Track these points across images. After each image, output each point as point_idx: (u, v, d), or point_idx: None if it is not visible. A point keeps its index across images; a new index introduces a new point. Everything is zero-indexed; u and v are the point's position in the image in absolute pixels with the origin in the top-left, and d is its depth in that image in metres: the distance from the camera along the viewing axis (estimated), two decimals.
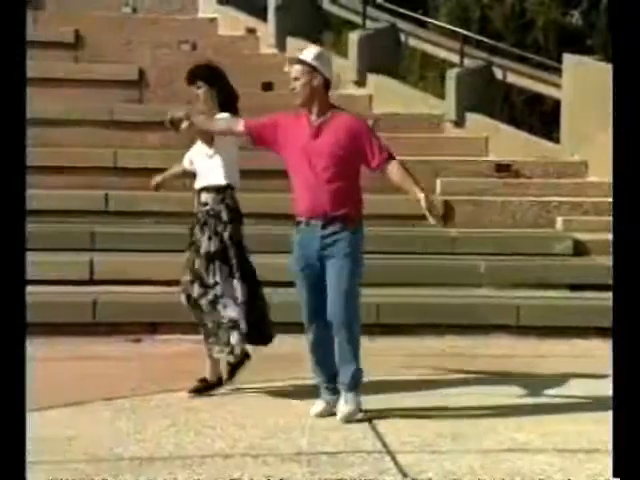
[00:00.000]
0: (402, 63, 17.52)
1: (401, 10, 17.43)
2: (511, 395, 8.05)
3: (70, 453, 6.57)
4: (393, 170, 7.41)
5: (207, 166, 8.10)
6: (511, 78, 15.83)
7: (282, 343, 9.05)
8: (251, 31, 17.34)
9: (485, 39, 16.73)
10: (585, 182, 13.73)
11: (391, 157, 7.48)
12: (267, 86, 15.75)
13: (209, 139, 7.98)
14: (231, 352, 7.95)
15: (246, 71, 16.08)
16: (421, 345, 9.90)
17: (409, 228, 12.74)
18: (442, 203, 13.17)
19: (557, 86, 14.89)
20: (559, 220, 12.83)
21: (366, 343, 9.84)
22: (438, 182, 13.66)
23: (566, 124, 14.65)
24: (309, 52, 7.46)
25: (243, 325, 7.94)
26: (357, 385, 7.37)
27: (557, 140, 14.81)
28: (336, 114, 7.42)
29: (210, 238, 7.91)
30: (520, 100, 17.27)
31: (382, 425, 7.12)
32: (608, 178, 12.93)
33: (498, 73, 15.82)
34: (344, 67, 16.35)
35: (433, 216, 7.26)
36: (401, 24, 17.12)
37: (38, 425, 7.11)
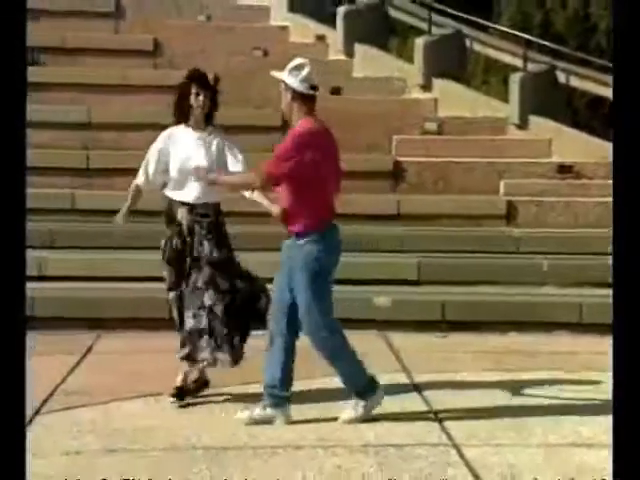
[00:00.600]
0: (466, 68, 17.45)
1: (465, 16, 17.41)
2: (574, 391, 7.99)
3: (150, 442, 6.61)
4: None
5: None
6: (574, 81, 15.72)
7: None
8: (320, 38, 17.34)
9: (548, 43, 16.59)
10: None
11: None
12: (336, 90, 15.75)
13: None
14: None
15: (315, 76, 16.07)
16: (485, 342, 9.85)
17: (475, 228, 12.72)
18: (505, 206, 13.17)
19: None
20: None
21: (432, 339, 9.91)
22: (502, 183, 13.59)
23: None
24: (286, 69, 7.24)
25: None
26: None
27: None
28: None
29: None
30: (582, 103, 17.14)
31: (447, 419, 7.09)
32: None
33: (561, 77, 15.72)
34: (410, 72, 16.36)
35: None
36: (466, 30, 17.07)
37: (120, 416, 7.22)
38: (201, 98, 7.69)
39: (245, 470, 6.03)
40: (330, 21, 17.57)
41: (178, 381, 7.58)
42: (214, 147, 7.61)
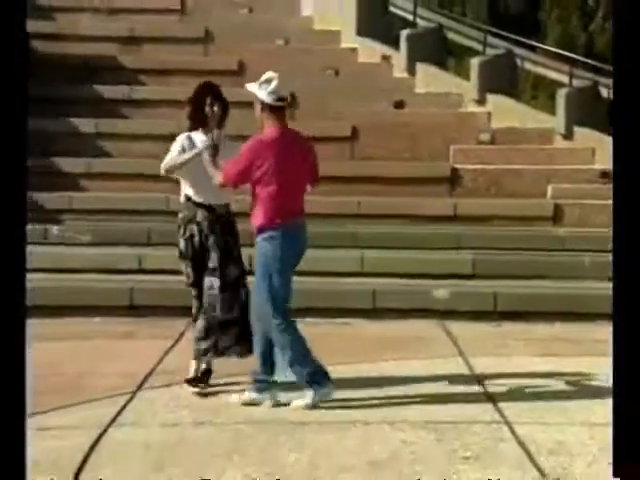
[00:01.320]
0: (517, 84, 17.41)
1: (516, 37, 17.42)
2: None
3: (233, 417, 6.65)
4: None
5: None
6: None
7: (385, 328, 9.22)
8: (386, 58, 17.33)
9: (591, 61, 16.64)
10: None
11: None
12: (399, 104, 15.78)
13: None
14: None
15: (381, 92, 16.13)
16: (534, 330, 9.80)
17: (524, 228, 12.68)
18: (553, 208, 13.12)
19: None
20: None
21: (485, 328, 9.88)
22: (549, 188, 13.50)
23: None
24: (257, 82, 7.18)
25: None
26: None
27: None
28: None
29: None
30: None
31: (500, 399, 7.06)
32: None
33: (603, 91, 15.69)
34: (466, 88, 16.33)
35: None
36: (516, 50, 17.06)
37: (210, 393, 7.26)
38: (215, 108, 7.65)
39: (321, 443, 6.06)
40: (394, 43, 17.55)
41: (192, 372, 7.46)
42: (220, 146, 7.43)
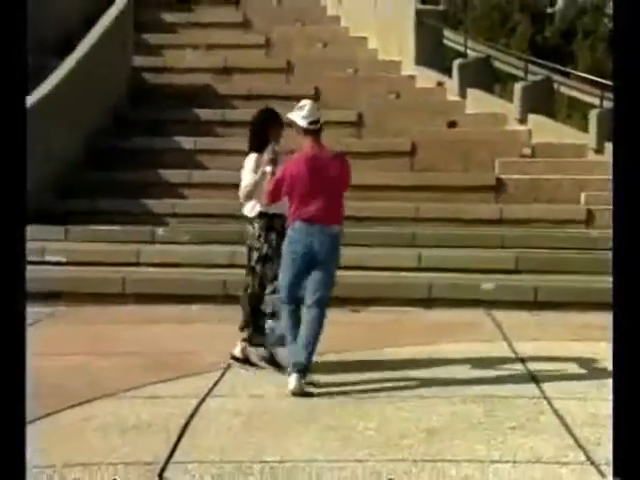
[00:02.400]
0: (554, 105, 17.30)
1: (553, 65, 17.39)
2: None
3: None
4: None
5: None
6: None
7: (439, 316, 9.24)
8: (440, 84, 17.26)
9: None
10: None
11: None
12: (452, 124, 15.72)
13: None
14: None
15: (436, 113, 16.08)
16: (570, 318, 9.65)
17: (561, 229, 12.57)
18: (586, 213, 12.98)
19: None
20: None
21: (527, 316, 9.79)
22: (583, 195, 13.34)
23: None
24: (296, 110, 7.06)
25: None
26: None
27: None
28: None
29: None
30: None
31: (540, 377, 6.99)
32: None
33: None
34: (510, 109, 16.22)
35: None
36: (554, 76, 16.99)
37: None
38: (273, 129, 7.54)
39: (384, 413, 6.05)
40: (447, 71, 17.49)
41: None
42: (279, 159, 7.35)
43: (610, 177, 13.99)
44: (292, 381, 6.51)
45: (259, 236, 7.41)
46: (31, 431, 5.69)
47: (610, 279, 10.73)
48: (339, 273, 10.90)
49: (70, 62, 14.73)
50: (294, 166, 6.92)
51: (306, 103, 7.05)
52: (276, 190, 6.94)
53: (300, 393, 6.47)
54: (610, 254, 11.37)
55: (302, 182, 6.85)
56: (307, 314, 6.77)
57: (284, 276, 6.90)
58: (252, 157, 7.46)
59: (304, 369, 6.60)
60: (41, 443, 5.47)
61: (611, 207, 13.93)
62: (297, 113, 6.96)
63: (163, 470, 4.99)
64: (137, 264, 11.36)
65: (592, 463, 5.12)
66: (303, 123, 6.93)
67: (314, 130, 6.99)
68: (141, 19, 18.07)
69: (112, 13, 16.74)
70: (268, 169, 7.16)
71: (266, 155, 7.31)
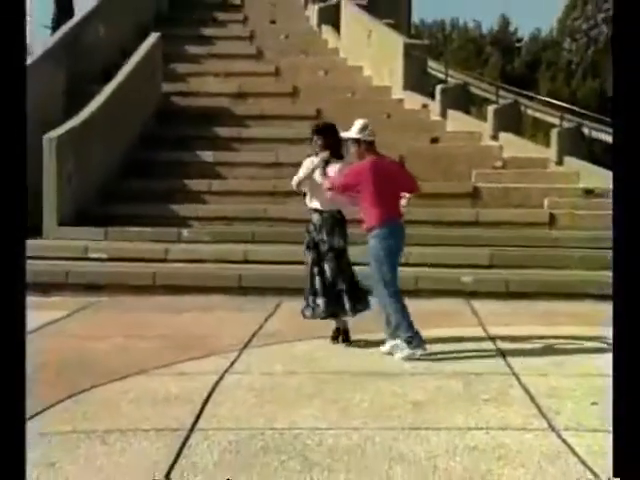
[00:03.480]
0: (521, 125, 17.37)
1: (520, 91, 17.53)
2: (600, 340, 7.74)
3: (317, 368, 6.63)
4: None
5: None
6: (594, 134, 15.70)
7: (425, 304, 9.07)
8: (425, 106, 17.28)
9: (576, 108, 16.62)
10: None
11: None
12: (435, 140, 15.74)
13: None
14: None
15: (421, 131, 16.09)
16: (536, 306, 9.66)
17: (528, 230, 12.56)
18: (548, 216, 12.98)
19: None
20: None
21: (499, 305, 9.77)
22: (546, 201, 13.32)
23: None
24: (353, 130, 7.23)
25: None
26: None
27: None
28: None
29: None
30: (599, 147, 16.88)
31: (510, 356, 6.99)
32: None
33: (585, 130, 15.68)
34: (484, 128, 16.28)
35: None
36: (521, 100, 17.06)
37: (298, 350, 7.28)
38: (320, 141, 7.55)
39: (378, 388, 6.05)
40: (431, 95, 17.54)
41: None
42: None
43: (569, 186, 14.10)
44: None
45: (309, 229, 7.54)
46: (76, 401, 5.74)
47: (571, 272, 10.86)
48: None
49: (109, 89, 14.78)
50: (366, 171, 7.05)
51: (367, 123, 7.31)
52: (349, 185, 7.11)
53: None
54: (570, 251, 11.52)
55: (374, 185, 7.02)
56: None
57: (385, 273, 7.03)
58: (309, 159, 7.55)
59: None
60: (85, 412, 5.51)
61: (569, 210, 14.02)
62: (360, 131, 7.19)
63: (188, 436, 5.00)
64: (165, 260, 11.37)
65: (553, 429, 5.13)
66: (367, 138, 7.18)
67: (373, 142, 7.23)
68: (169, 51, 18.09)
69: (144, 46, 16.81)
70: (319, 169, 7.33)
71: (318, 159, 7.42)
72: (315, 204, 7.48)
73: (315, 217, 7.47)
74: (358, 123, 7.24)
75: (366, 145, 7.17)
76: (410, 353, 6.91)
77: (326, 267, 7.41)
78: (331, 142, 7.47)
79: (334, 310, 7.41)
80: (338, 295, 7.38)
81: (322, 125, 7.85)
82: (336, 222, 7.47)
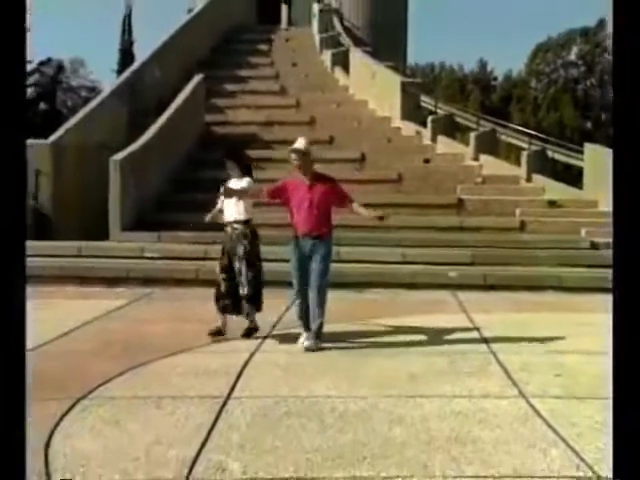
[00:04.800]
0: (498, 148, 17.33)
1: (496, 120, 17.54)
2: (566, 322, 7.71)
3: (325, 347, 6.63)
4: (353, 206, 6.70)
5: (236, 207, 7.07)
6: (556, 155, 15.63)
7: (419, 296, 9.00)
8: (418, 133, 17.23)
9: (541, 135, 16.67)
10: (598, 211, 13.14)
11: (351, 200, 6.70)
12: (426, 160, 15.69)
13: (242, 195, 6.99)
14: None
15: (415, 153, 16.07)
16: (510, 296, 9.61)
17: (503, 235, 12.43)
18: (519, 223, 12.86)
19: (581, 160, 14.54)
20: (583, 231, 12.32)
21: (480, 295, 9.72)
22: (518, 211, 13.25)
23: (587, 179, 14.19)
24: (300, 143, 6.72)
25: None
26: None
27: (581, 187, 14.32)
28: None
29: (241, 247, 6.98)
30: (561, 167, 16.82)
31: (490, 339, 6.94)
32: (611, 209, 12.60)
33: (549, 153, 15.59)
34: (467, 151, 16.23)
35: (377, 218, 6.70)
36: (497, 128, 17.00)
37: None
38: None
39: (378, 363, 6.03)
40: (423, 124, 17.49)
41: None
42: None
43: (536, 198, 14.05)
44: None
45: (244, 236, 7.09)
46: (135, 373, 5.75)
47: (537, 269, 10.80)
48: (350, 264, 10.95)
49: (162, 120, 14.84)
50: (290, 184, 6.59)
51: (301, 139, 6.82)
52: (275, 193, 6.66)
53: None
54: (536, 251, 11.46)
55: (294, 199, 6.56)
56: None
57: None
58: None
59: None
60: (142, 381, 5.52)
61: (537, 218, 13.99)
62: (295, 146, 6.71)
63: (225, 403, 5.00)
64: (205, 259, 11.34)
65: (523, 397, 5.10)
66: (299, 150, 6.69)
67: (310, 158, 6.72)
68: (210, 88, 18.13)
69: (190, 85, 16.88)
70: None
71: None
72: (230, 217, 7.01)
73: (229, 229, 7.00)
74: (300, 140, 6.76)
75: (304, 160, 6.64)
76: (313, 343, 6.51)
77: (236, 273, 6.93)
78: (238, 164, 7.11)
79: (233, 312, 7.02)
80: (239, 300, 6.95)
81: (231, 150, 7.47)
82: (248, 233, 7.03)
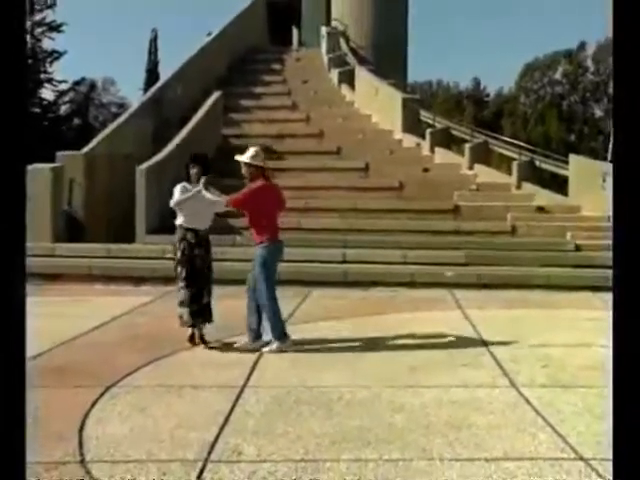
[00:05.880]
0: (491, 158, 17.26)
1: (488, 132, 17.49)
2: (551, 317, 7.68)
3: (330, 345, 6.59)
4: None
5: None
6: (544, 165, 15.57)
7: (418, 294, 8.96)
8: (418, 144, 17.19)
9: (529, 146, 16.62)
10: (581, 215, 13.09)
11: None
12: (425, 170, 15.64)
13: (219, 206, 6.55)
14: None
15: (415, 163, 16.01)
16: (502, 294, 9.56)
17: (495, 237, 12.39)
18: (510, 227, 12.83)
19: (566, 169, 14.48)
20: (568, 234, 12.27)
21: (473, 293, 9.68)
22: (509, 216, 13.15)
23: (572, 187, 14.11)
24: (248, 154, 6.23)
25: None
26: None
27: (566, 194, 14.26)
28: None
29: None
30: (548, 175, 16.76)
31: (482, 332, 6.92)
32: (593, 213, 12.59)
33: (537, 162, 15.53)
34: (462, 161, 16.16)
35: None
36: (490, 140, 16.94)
37: (320, 328, 7.17)
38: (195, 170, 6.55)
39: (381, 357, 6.01)
40: (422, 136, 17.45)
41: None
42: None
43: (526, 204, 14.01)
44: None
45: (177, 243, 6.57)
46: (159, 364, 5.76)
47: (526, 269, 10.76)
48: (357, 265, 10.90)
49: (183, 132, 14.89)
50: (259, 192, 6.15)
51: (259, 150, 6.29)
52: (246, 202, 6.19)
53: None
54: (526, 253, 11.42)
55: (265, 205, 6.16)
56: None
57: (265, 280, 6.23)
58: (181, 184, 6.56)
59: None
60: (166, 371, 5.53)
61: (526, 222, 13.96)
62: (254, 157, 6.24)
63: (241, 391, 5.01)
64: (223, 260, 11.31)
65: (513, 386, 5.09)
66: (261, 163, 6.25)
67: (261, 167, 6.26)
68: (227, 104, 18.14)
69: (209, 101, 16.93)
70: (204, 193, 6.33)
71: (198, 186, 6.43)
72: (192, 224, 6.45)
73: (189, 235, 6.42)
74: (251, 150, 6.25)
75: (256, 169, 6.20)
76: (279, 347, 6.16)
77: (198, 280, 6.42)
78: (203, 169, 6.53)
79: (195, 321, 6.46)
80: (204, 307, 6.48)
81: (195, 155, 6.83)
82: (209, 240, 6.59)
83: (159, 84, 18.93)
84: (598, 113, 49.94)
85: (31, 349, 6.05)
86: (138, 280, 10.48)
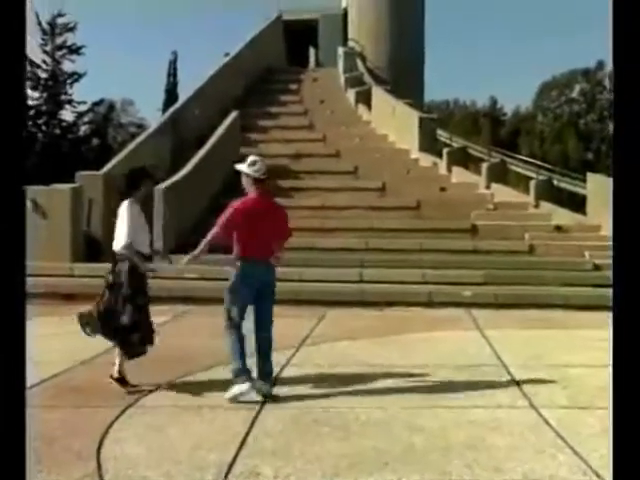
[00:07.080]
0: (507, 177, 17.25)
1: (505, 152, 17.48)
2: (569, 336, 7.65)
3: (347, 363, 6.57)
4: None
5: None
6: (562, 184, 15.55)
7: (435, 313, 8.91)
8: (435, 164, 17.24)
9: (547, 165, 16.63)
10: (600, 235, 13.02)
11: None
12: (443, 189, 15.68)
13: None
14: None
15: (432, 182, 16.05)
16: (519, 314, 9.54)
17: (513, 257, 12.34)
18: (528, 246, 12.74)
19: (584, 188, 14.47)
20: (586, 254, 12.22)
21: (491, 313, 9.64)
22: (527, 235, 13.19)
23: (590, 206, 14.07)
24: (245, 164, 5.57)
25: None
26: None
27: (585, 213, 14.22)
28: None
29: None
30: (566, 194, 16.71)
31: (500, 351, 6.89)
32: (610, 232, 12.48)
33: (555, 182, 15.51)
34: (479, 180, 16.21)
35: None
36: (506, 159, 16.95)
37: (337, 347, 7.18)
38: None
39: (399, 378, 6.00)
40: (439, 155, 17.49)
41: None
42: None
43: (544, 223, 14.00)
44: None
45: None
46: (176, 385, 5.76)
47: (545, 288, 10.70)
48: (374, 285, 10.85)
49: (201, 153, 15.04)
50: (243, 208, 5.53)
51: (258, 159, 5.60)
52: (228, 224, 5.58)
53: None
54: (544, 272, 11.37)
55: (249, 222, 5.46)
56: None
57: (233, 303, 5.50)
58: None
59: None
60: (182, 392, 5.53)
61: (544, 242, 13.92)
62: (250, 167, 5.57)
63: (258, 412, 5.00)
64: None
65: (533, 407, 5.07)
66: (257, 174, 5.55)
67: (262, 180, 5.58)
68: (245, 124, 18.31)
69: (227, 121, 17.08)
70: None
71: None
72: (145, 248, 5.94)
73: (140, 260, 5.82)
74: (249, 159, 5.61)
75: (252, 180, 5.54)
76: (234, 394, 5.24)
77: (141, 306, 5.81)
78: (132, 184, 5.94)
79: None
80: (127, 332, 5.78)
81: (133, 171, 6.08)
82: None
83: (177, 105, 19.17)
84: None
85: (50, 369, 6.15)
86: (155, 300, 10.45)
